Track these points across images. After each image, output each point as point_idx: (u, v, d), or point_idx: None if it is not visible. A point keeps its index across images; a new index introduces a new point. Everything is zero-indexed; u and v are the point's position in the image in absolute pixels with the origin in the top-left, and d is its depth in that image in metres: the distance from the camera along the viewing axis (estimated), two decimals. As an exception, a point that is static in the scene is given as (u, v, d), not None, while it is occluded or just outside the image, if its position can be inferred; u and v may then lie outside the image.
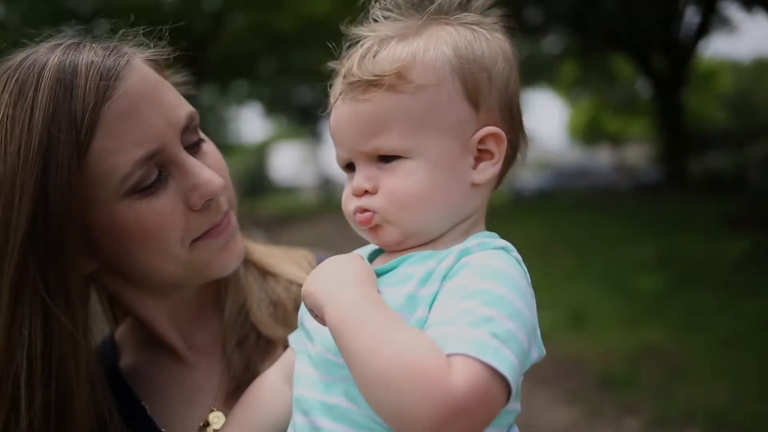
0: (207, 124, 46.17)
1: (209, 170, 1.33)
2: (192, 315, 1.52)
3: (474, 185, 1.16)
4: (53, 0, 23.90)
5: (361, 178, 1.16)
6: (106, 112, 1.20)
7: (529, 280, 1.08)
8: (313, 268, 1.24)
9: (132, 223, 1.26)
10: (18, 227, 1.16)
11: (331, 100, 1.20)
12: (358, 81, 1.12)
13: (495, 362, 0.90)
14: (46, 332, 1.20)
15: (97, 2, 22.20)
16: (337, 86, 1.18)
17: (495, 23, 1.23)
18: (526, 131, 1.27)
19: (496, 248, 1.08)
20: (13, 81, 1.21)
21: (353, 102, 1.14)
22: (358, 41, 1.19)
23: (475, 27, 1.19)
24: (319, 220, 24.02)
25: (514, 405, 1.10)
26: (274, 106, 43.56)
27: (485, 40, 1.18)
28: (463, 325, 0.94)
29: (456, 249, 1.09)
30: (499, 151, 1.16)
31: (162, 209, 1.27)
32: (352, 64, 1.15)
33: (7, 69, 1.24)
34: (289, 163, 64.73)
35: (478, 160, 1.16)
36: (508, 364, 0.91)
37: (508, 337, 0.93)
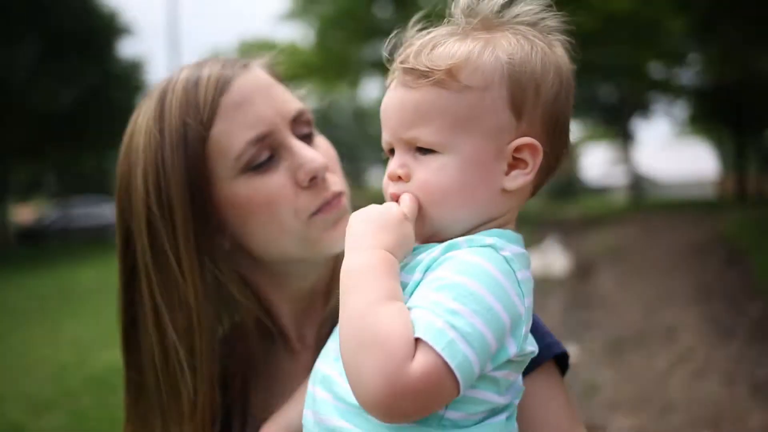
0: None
1: (313, 150, 1.49)
2: (306, 307, 1.63)
3: (504, 191, 1.17)
4: (364, 20, 26.01)
5: (396, 164, 1.20)
6: (224, 102, 1.43)
7: (523, 279, 1.09)
8: None
9: (248, 198, 1.44)
10: (178, 198, 1.41)
11: (387, 82, 1.25)
12: (412, 69, 1.16)
13: (446, 353, 0.94)
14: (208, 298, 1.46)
15: (397, 16, 23.73)
16: (394, 70, 1.23)
17: (559, 40, 1.24)
18: (569, 148, 1.27)
19: (483, 246, 1.09)
20: (156, 93, 1.49)
21: (403, 88, 1.18)
22: (427, 29, 1.24)
23: (536, 40, 1.20)
24: (626, 222, 23.06)
25: (491, 396, 1.09)
26: (578, 107, 42.60)
27: (542, 54, 1.18)
28: (427, 312, 0.98)
29: (446, 243, 1.11)
30: (534, 162, 1.16)
31: (273, 185, 1.44)
32: (411, 51, 1.19)
33: (152, 90, 1.53)
34: (599, 163, 63.13)
35: (511, 167, 1.17)
36: (460, 357, 0.94)
37: (469, 332, 0.96)
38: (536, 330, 1.34)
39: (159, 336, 1.45)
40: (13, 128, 29.91)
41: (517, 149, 1.15)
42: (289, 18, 29.96)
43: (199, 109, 1.42)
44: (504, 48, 1.15)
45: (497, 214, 1.19)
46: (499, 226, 1.18)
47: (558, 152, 1.24)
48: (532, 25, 1.22)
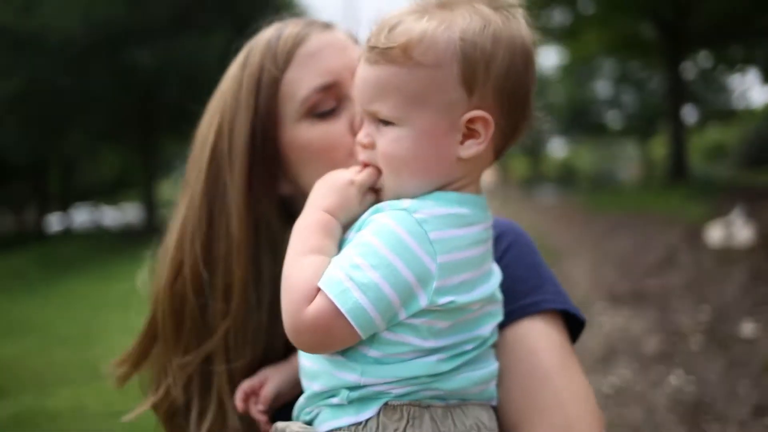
0: (702, 90, 43.77)
1: None
2: None
3: (459, 159, 1.26)
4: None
5: (362, 133, 1.31)
6: (299, 52, 1.58)
7: (438, 238, 1.18)
8: None
9: (309, 142, 1.56)
10: (242, 133, 1.56)
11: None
12: (373, 47, 1.25)
13: (338, 300, 1.13)
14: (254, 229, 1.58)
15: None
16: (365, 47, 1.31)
17: (518, 12, 1.28)
18: (528, 117, 1.33)
19: (398, 209, 1.20)
20: (247, 46, 1.66)
21: (367, 64, 1.27)
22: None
23: (491, 16, 1.24)
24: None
25: (412, 340, 1.21)
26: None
27: (495, 30, 1.23)
28: (335, 266, 1.17)
29: (374, 206, 1.26)
30: (486, 132, 1.24)
31: (334, 131, 1.55)
32: (376, 29, 1.27)
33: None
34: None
35: (466, 137, 1.25)
36: (352, 304, 1.12)
37: (365, 284, 1.13)
38: (540, 285, 1.47)
39: (178, 256, 1.59)
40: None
41: (470, 121, 1.23)
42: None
43: (276, 57, 1.57)
44: (458, 26, 1.21)
45: (454, 179, 1.28)
46: (457, 189, 1.28)
47: (515, 120, 1.30)
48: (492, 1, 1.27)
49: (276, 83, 1.57)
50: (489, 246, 1.30)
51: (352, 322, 1.13)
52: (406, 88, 1.23)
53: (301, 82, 1.56)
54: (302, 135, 1.57)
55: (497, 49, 1.22)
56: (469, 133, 1.25)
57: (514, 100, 1.27)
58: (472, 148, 1.25)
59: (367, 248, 1.16)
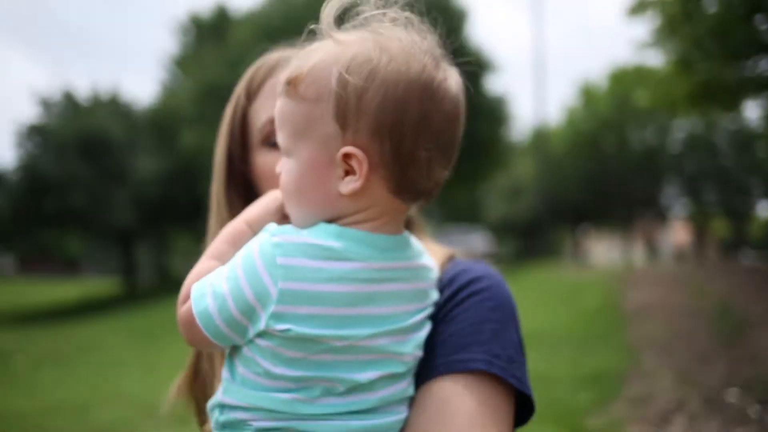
0: None
1: None
2: None
3: (342, 195, 1.24)
4: (741, 34, 23.82)
5: (279, 164, 1.35)
6: (268, 83, 1.65)
7: (286, 264, 1.18)
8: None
9: (262, 169, 1.64)
10: (222, 158, 1.70)
11: None
12: (282, 80, 1.28)
13: (192, 302, 1.23)
14: None
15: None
16: None
17: (429, 41, 1.26)
18: (427, 152, 1.23)
19: (264, 231, 1.24)
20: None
21: (278, 96, 1.30)
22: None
23: (377, 51, 1.21)
24: None
25: (260, 361, 1.22)
26: None
27: (379, 64, 1.20)
28: (212, 273, 1.26)
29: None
30: (360, 169, 1.21)
31: (277, 161, 1.54)
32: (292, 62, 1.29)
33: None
34: None
35: (347, 173, 1.23)
36: (200, 308, 1.21)
37: (217, 292, 1.20)
38: (479, 343, 1.36)
39: None
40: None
41: (347, 156, 1.21)
42: (652, 45, 28.63)
43: (250, 88, 1.67)
44: (342, 61, 1.20)
45: (343, 214, 1.27)
46: (350, 225, 1.26)
47: (407, 156, 1.22)
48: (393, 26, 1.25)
49: (245, 112, 1.68)
50: (382, 288, 1.25)
51: (199, 324, 1.21)
52: (294, 121, 1.26)
53: (261, 112, 1.64)
54: (258, 162, 1.65)
55: (370, 84, 1.19)
56: (350, 169, 1.23)
57: (399, 135, 1.20)
58: (350, 185, 1.23)
59: (232, 262, 1.24)
